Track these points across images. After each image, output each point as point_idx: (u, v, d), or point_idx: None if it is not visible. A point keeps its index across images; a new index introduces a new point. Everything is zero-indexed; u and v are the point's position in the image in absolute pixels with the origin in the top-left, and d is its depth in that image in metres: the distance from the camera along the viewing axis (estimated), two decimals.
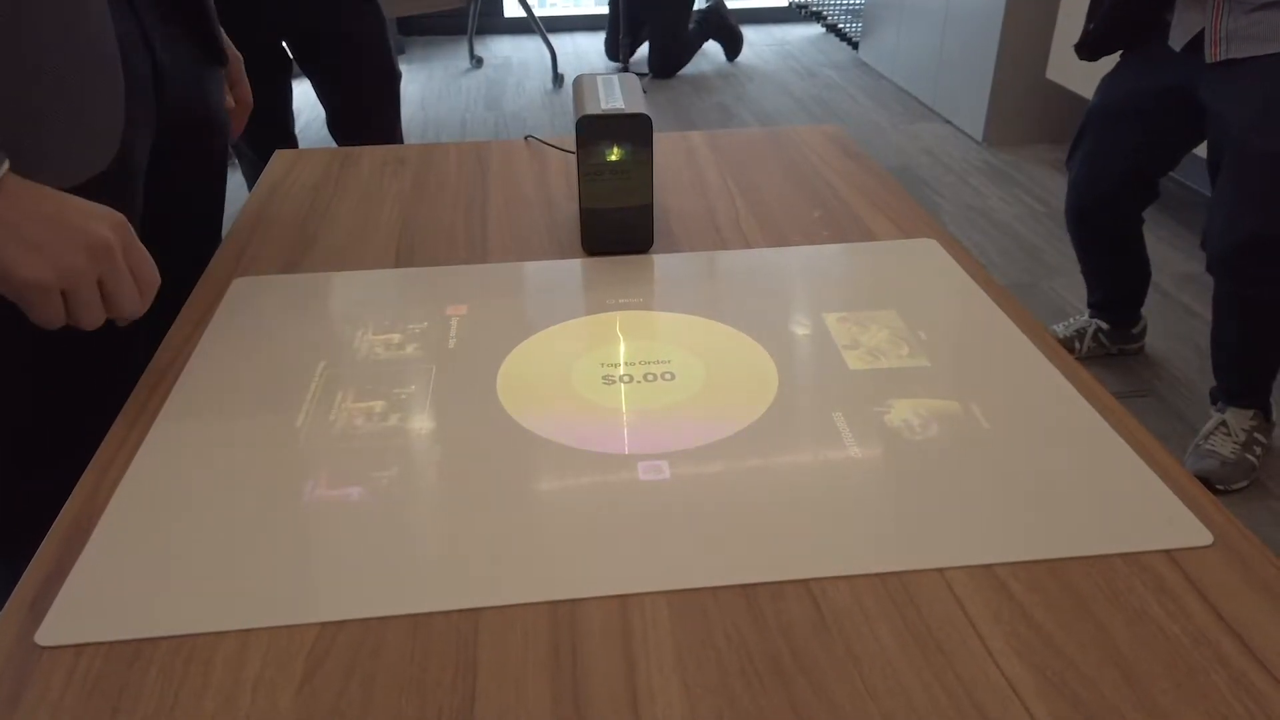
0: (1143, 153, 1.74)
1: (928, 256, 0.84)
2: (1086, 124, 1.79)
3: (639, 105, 0.82)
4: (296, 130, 2.20)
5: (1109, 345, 2.01)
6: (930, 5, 3.58)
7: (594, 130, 0.81)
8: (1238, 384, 1.70)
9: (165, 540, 0.53)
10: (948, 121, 3.49)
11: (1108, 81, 1.76)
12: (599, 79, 0.89)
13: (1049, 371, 0.67)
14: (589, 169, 0.82)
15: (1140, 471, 0.57)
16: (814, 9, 5.03)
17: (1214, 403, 1.77)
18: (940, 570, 0.51)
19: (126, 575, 0.50)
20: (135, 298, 0.63)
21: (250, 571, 0.51)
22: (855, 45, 4.55)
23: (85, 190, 0.66)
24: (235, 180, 3.03)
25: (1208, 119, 1.59)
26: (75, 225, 0.58)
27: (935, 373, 0.68)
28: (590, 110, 0.81)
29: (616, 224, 0.85)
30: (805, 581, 0.50)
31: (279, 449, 0.60)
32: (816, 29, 4.98)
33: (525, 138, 1.14)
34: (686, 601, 0.49)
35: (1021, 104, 3.15)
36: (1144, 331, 2.02)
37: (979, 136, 3.27)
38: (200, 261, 0.88)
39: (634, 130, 0.81)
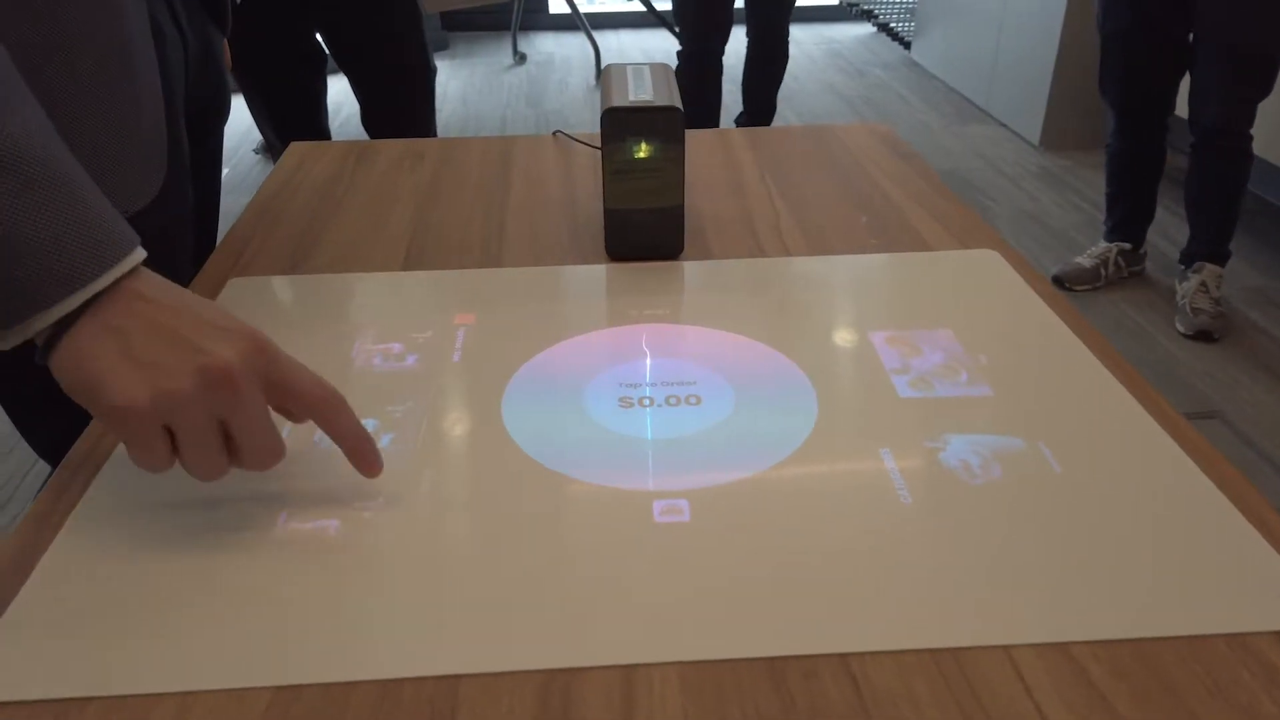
0: (1161, 39, 2.07)
1: (988, 270, 0.76)
2: (1108, 45, 2.14)
3: (670, 97, 0.75)
4: (337, 125, 2.15)
5: (1124, 268, 2.30)
6: (987, 4, 3.46)
7: (620, 124, 0.73)
8: (1219, 241, 2.14)
9: (111, 584, 0.46)
10: (1002, 124, 3.37)
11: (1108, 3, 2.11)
12: (629, 68, 0.82)
13: (1128, 404, 0.59)
14: (614, 167, 0.75)
15: (1244, 533, 0.49)
16: (865, 7, 4.92)
17: (1188, 265, 2.18)
18: (1005, 648, 0.43)
19: (64, 624, 0.44)
20: (270, 443, 0.48)
21: (201, 623, 0.44)
22: (907, 45, 4.44)
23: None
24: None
25: (1195, 16, 1.98)
26: (189, 341, 0.45)
27: (998, 403, 0.59)
28: (617, 102, 0.74)
29: (643, 227, 0.77)
30: (843, 656, 0.42)
31: (252, 472, 0.54)
32: (867, 28, 4.87)
33: (554, 133, 1.07)
34: (702, 676, 0.42)
35: (1081, 107, 3.02)
36: (1146, 255, 2.36)
37: (1035, 140, 3.15)
38: (198, 255, 0.82)
39: (664, 124, 0.73)
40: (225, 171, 3.04)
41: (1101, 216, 2.38)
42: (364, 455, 0.51)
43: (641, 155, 0.74)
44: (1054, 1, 2.97)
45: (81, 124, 0.62)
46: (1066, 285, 2.27)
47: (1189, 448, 0.55)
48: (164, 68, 0.70)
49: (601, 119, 0.74)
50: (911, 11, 4.50)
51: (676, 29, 2.67)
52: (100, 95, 0.62)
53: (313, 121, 1.96)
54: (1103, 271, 2.28)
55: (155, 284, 0.48)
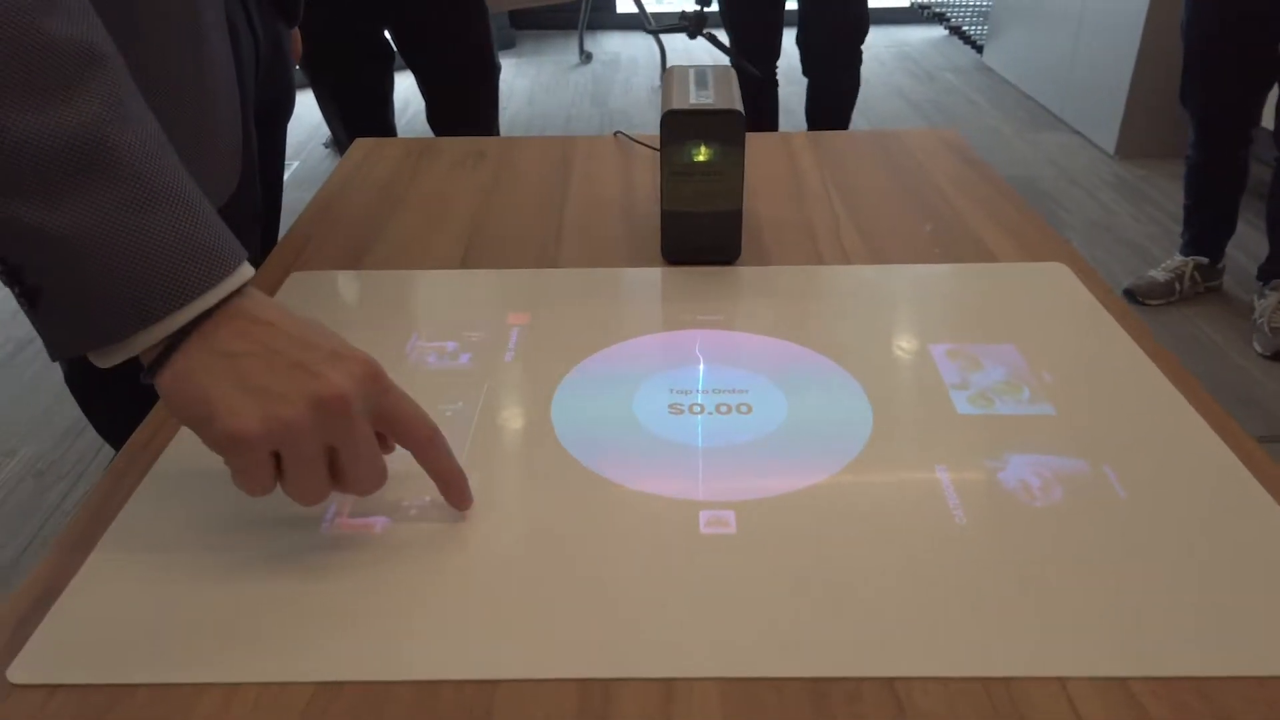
0: (1249, 49, 1.99)
1: (1056, 283, 0.73)
2: (1192, 52, 2.05)
3: (731, 100, 0.74)
4: (404, 121, 2.17)
5: (1200, 283, 2.22)
6: (1065, 7, 3.37)
7: (679, 126, 0.73)
8: None
9: (161, 573, 0.47)
10: (1076, 131, 3.29)
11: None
12: (691, 70, 0.81)
13: (1200, 429, 0.56)
14: (673, 169, 0.74)
15: None
16: (937, 10, 4.83)
17: (1266, 281, 2.10)
18: (1060, 680, 0.41)
19: (115, 611, 0.45)
20: (377, 471, 0.47)
21: (248, 615, 0.45)
22: (980, 49, 4.35)
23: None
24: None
25: None
26: (303, 367, 0.44)
27: (1061, 423, 0.57)
28: (677, 104, 0.73)
29: (700, 230, 0.77)
30: (889, 681, 0.41)
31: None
32: (939, 31, 4.79)
33: (614, 133, 1.06)
34: (743, 694, 0.41)
35: (1160, 114, 2.92)
36: (1224, 269, 2.26)
37: (1110, 148, 3.06)
38: (263, 249, 0.84)
39: (724, 127, 0.73)
40: (295, 165, 3.11)
41: (1179, 229, 2.30)
42: (456, 490, 0.51)
43: (701, 158, 0.74)
44: (1135, 3, 2.89)
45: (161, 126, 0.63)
46: (1139, 299, 2.20)
47: (1263, 476, 0.52)
48: (238, 68, 0.71)
49: (661, 121, 0.73)
50: (985, 14, 4.41)
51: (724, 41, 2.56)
52: (179, 96, 0.64)
53: (380, 118, 1.99)
54: (1177, 286, 2.20)
55: (266, 305, 0.47)
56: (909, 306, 0.71)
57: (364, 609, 0.45)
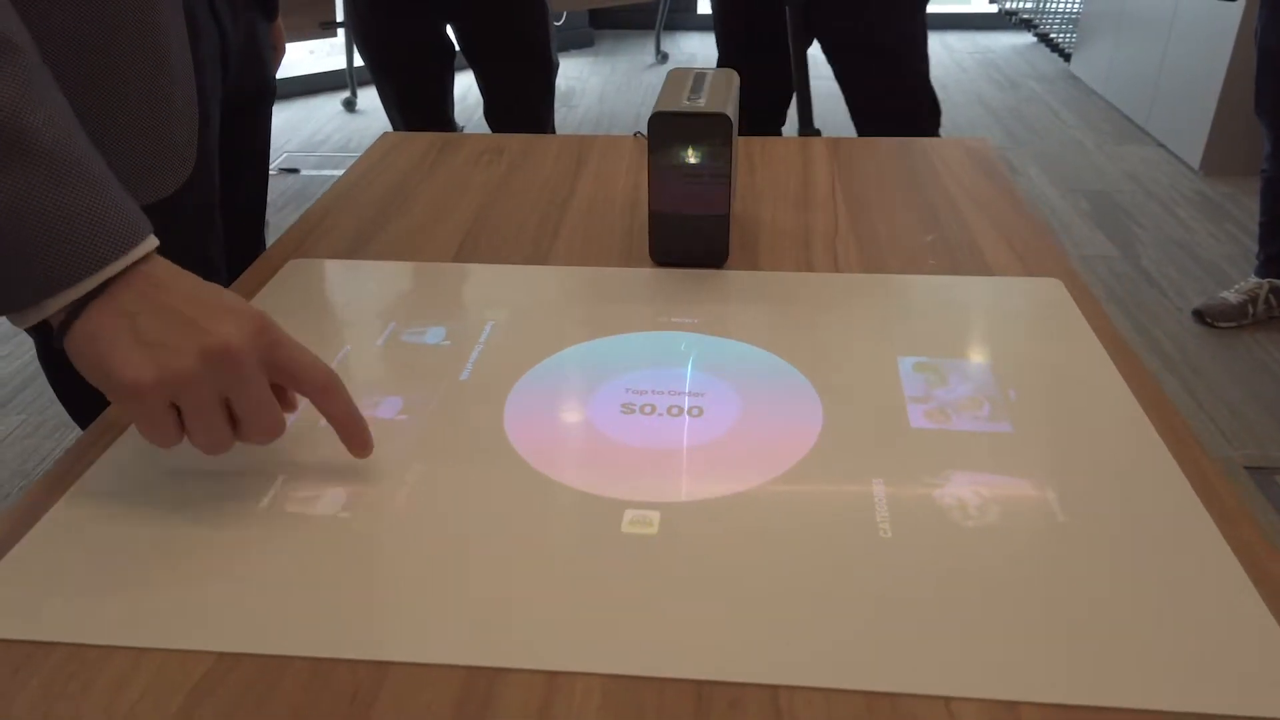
0: None
1: (1046, 300, 0.71)
2: (1266, 61, 1.97)
3: (723, 104, 0.74)
4: (477, 118, 2.19)
5: (1275, 307, 2.12)
6: (1155, 16, 3.25)
7: (666, 130, 0.73)
8: None
9: (96, 544, 0.49)
10: (1161, 145, 3.16)
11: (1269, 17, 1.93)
12: (693, 73, 0.81)
13: (1160, 458, 0.54)
14: (661, 172, 0.74)
15: (1254, 609, 0.44)
16: (1024, 16, 4.70)
17: None
18: (945, 700, 0.40)
19: (55, 572, 0.47)
20: (271, 418, 0.50)
21: (167, 584, 0.47)
22: (1067, 57, 4.22)
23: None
24: None
25: None
26: (195, 323, 0.47)
27: (1016, 443, 0.56)
28: (667, 107, 0.73)
29: (688, 233, 0.77)
30: (773, 689, 0.41)
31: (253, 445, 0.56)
32: (1026, 38, 4.66)
33: (634, 134, 1.07)
34: (625, 690, 0.41)
35: (1250, 129, 2.79)
36: None
37: (1195, 164, 2.94)
38: (248, 236, 0.87)
39: (711, 132, 0.72)
40: None
41: (1257, 249, 2.20)
42: (355, 436, 0.53)
43: (689, 161, 0.74)
44: (1228, 13, 2.76)
45: (115, 116, 0.66)
46: (1208, 321, 2.11)
47: (1216, 510, 0.50)
48: (198, 62, 0.73)
49: (648, 123, 0.73)
50: (1074, 21, 4.28)
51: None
52: (134, 88, 0.67)
53: (440, 114, 2.03)
54: (1250, 309, 2.10)
55: (166, 269, 0.50)
56: (887, 317, 0.70)
57: (269, 584, 0.46)
